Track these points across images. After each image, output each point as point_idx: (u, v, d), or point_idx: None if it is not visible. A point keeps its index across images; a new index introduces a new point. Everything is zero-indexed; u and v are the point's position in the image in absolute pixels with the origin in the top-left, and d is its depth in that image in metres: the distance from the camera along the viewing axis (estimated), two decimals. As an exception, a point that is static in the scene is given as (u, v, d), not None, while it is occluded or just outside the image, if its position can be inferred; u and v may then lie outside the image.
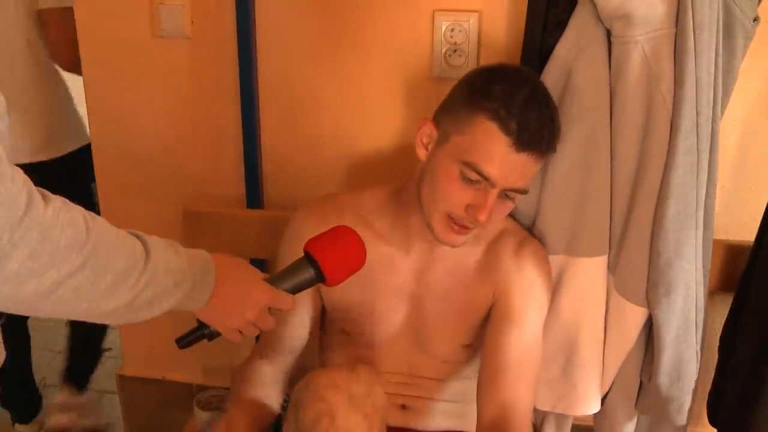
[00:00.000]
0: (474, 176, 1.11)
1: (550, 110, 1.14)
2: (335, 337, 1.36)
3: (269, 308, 1.01)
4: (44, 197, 0.70)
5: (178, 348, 1.01)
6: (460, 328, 1.30)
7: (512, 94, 1.10)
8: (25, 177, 0.69)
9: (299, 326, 1.31)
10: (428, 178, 1.17)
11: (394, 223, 1.27)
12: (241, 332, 1.00)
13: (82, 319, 0.78)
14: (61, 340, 2.78)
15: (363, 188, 1.35)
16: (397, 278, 1.28)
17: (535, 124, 1.10)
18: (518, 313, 1.25)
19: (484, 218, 1.12)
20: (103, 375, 2.57)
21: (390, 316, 1.29)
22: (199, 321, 1.00)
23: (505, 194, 1.14)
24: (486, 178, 1.10)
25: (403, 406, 1.35)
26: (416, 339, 1.31)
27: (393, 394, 1.34)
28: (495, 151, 1.09)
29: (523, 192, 1.16)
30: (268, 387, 1.29)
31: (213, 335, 1.00)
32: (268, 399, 1.28)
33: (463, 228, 1.16)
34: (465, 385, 1.36)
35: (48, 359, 2.68)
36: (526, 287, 1.27)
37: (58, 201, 0.72)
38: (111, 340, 2.75)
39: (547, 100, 1.16)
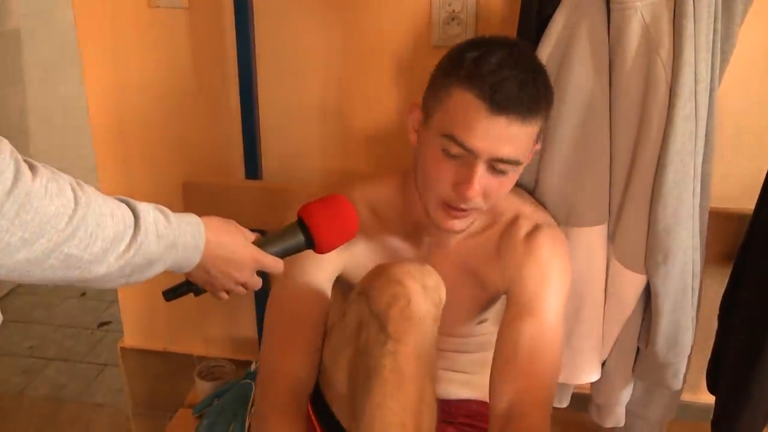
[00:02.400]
0: (455, 149, 1.05)
1: (531, 72, 1.07)
2: None
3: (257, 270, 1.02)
4: (31, 168, 0.70)
5: (165, 300, 1.03)
6: (475, 308, 1.29)
7: (485, 58, 1.04)
8: (12, 148, 0.69)
9: (321, 336, 1.24)
10: (419, 163, 1.14)
11: (402, 216, 1.24)
12: (228, 292, 1.02)
13: (73, 285, 0.80)
14: (60, 315, 2.80)
15: (368, 180, 1.30)
16: None
17: (512, 85, 1.02)
18: (532, 303, 1.19)
19: (472, 194, 1.06)
20: (105, 348, 2.59)
21: None
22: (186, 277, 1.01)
23: (494, 168, 1.07)
24: (468, 150, 1.05)
25: None
26: None
27: None
28: (470, 117, 1.03)
29: (514, 163, 1.08)
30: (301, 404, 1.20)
31: (200, 291, 1.02)
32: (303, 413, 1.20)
33: (460, 211, 1.11)
34: (482, 357, 1.35)
35: (49, 332, 2.69)
36: (539, 275, 1.20)
37: (45, 171, 0.72)
38: (111, 313, 2.78)
39: (528, 61, 1.09)
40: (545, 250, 1.21)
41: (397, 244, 1.25)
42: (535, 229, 1.23)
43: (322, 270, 1.21)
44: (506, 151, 1.05)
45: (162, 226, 0.85)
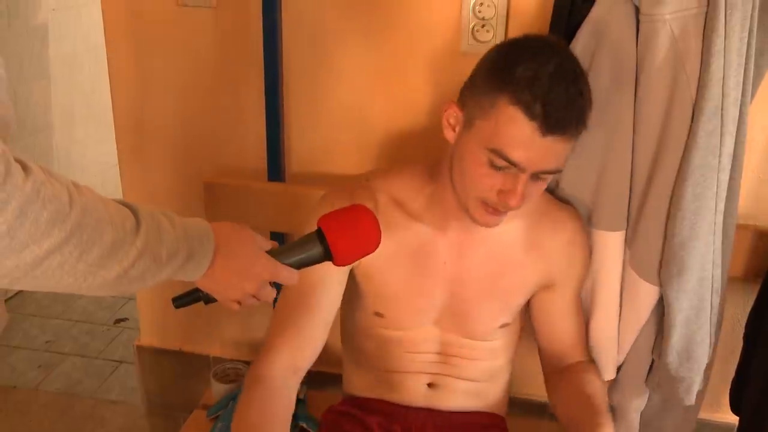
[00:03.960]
0: (502, 163, 1.07)
1: (578, 85, 1.08)
2: (367, 320, 1.33)
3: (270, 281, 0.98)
4: (25, 169, 0.66)
5: (174, 307, 1.00)
6: (503, 308, 1.29)
7: (536, 74, 1.04)
8: (4, 148, 0.65)
9: (324, 327, 1.26)
10: (458, 164, 1.15)
11: (429, 203, 1.24)
12: (239, 302, 0.97)
13: (69, 292, 0.75)
14: (77, 310, 2.81)
15: (393, 170, 1.31)
16: (436, 259, 1.25)
17: (562, 105, 1.04)
18: (572, 297, 1.33)
19: (515, 203, 1.09)
20: (120, 345, 2.59)
21: (428, 298, 1.27)
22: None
23: (537, 176, 1.10)
24: (514, 164, 1.07)
25: (430, 384, 1.35)
26: (453, 320, 1.29)
27: (421, 372, 1.34)
28: (521, 136, 1.05)
29: (556, 172, 1.13)
30: (287, 386, 1.23)
31: (209, 299, 0.98)
32: (286, 392, 1.22)
33: (498, 211, 1.14)
34: (492, 365, 1.36)
35: (66, 327, 2.70)
36: (576, 271, 1.32)
37: (39, 173, 0.68)
38: (128, 310, 2.79)
39: (576, 74, 1.09)
40: (579, 244, 1.30)
41: (424, 232, 1.25)
42: (560, 216, 1.29)
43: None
44: (552, 165, 1.10)
45: (166, 232, 0.81)
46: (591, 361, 1.36)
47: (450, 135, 1.17)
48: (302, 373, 1.24)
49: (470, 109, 1.12)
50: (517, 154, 1.06)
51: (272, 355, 1.22)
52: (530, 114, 1.03)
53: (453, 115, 1.15)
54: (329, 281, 1.23)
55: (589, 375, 1.31)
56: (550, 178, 1.14)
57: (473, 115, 1.11)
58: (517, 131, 1.05)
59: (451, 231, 1.25)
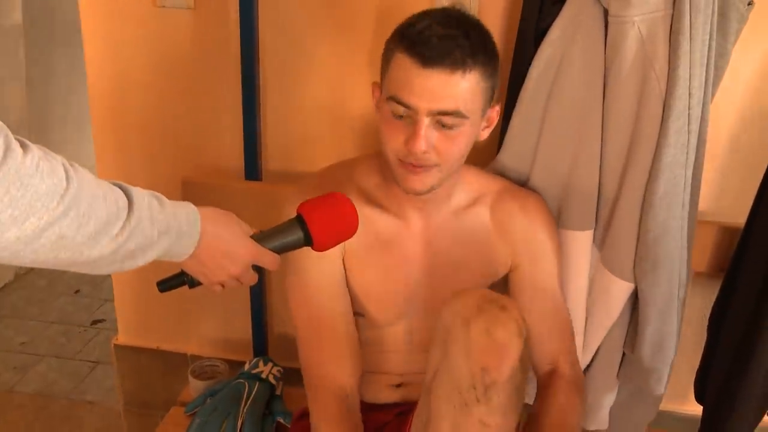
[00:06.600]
0: (400, 110, 1.09)
1: (463, 28, 1.09)
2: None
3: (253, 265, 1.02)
4: (23, 146, 0.70)
5: (159, 291, 1.02)
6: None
7: (417, 22, 1.10)
8: (2, 125, 0.68)
9: (352, 327, 1.28)
10: (380, 132, 1.17)
11: (387, 192, 1.26)
12: (222, 285, 1.01)
13: (65, 268, 0.78)
14: (53, 311, 2.80)
15: (354, 159, 1.34)
16: (406, 250, 1.27)
17: (438, 40, 1.06)
18: (540, 281, 1.29)
19: (418, 147, 1.08)
20: (97, 346, 2.59)
21: (403, 290, 1.28)
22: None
23: (440, 123, 1.09)
24: (408, 107, 1.08)
25: (400, 385, 1.36)
26: (426, 311, 1.29)
27: (391, 373, 1.35)
28: (406, 75, 1.08)
29: (455, 114, 1.09)
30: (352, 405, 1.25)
31: (194, 283, 1.01)
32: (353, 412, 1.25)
33: (414, 167, 1.13)
34: None
35: (42, 328, 2.69)
36: (542, 252, 1.30)
37: (37, 150, 0.71)
38: (105, 311, 2.79)
39: (461, 20, 1.11)
40: (543, 225, 1.30)
41: (391, 223, 1.26)
42: (525, 202, 1.30)
43: (331, 260, 1.23)
44: (443, 103, 1.08)
45: (156, 211, 0.85)
46: (570, 377, 1.27)
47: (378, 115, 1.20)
48: (359, 373, 1.27)
49: (382, 80, 1.16)
50: (406, 94, 1.08)
51: (327, 382, 1.23)
52: (411, 51, 1.07)
53: (377, 96, 1.19)
54: (335, 281, 1.26)
55: (568, 410, 1.24)
56: (460, 127, 1.11)
57: (382, 78, 1.16)
58: (402, 72, 1.08)
59: (412, 220, 1.26)
